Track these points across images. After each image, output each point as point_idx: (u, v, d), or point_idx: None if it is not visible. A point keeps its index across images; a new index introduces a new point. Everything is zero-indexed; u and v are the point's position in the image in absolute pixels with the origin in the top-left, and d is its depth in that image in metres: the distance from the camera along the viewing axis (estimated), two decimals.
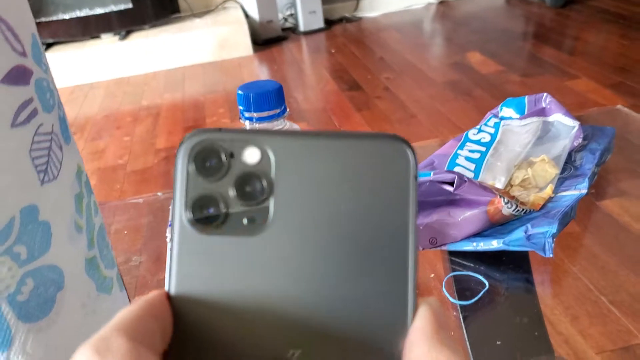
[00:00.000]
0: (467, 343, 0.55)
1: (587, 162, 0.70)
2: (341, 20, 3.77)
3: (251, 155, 0.20)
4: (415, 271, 0.20)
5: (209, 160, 0.20)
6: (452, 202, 0.63)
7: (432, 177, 0.62)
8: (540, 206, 0.65)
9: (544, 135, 0.74)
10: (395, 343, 0.20)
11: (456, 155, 0.73)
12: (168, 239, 0.21)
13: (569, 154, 0.72)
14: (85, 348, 0.17)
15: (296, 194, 0.20)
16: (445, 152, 0.75)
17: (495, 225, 0.64)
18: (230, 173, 0.20)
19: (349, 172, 0.20)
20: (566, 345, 0.53)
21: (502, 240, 0.61)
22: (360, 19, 3.80)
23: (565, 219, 0.62)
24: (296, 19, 3.66)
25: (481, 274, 0.62)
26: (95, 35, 3.38)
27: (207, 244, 0.20)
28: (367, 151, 0.20)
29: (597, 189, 0.73)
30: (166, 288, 0.20)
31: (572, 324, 0.55)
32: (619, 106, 0.91)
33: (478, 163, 0.71)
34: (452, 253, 0.65)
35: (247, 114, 0.53)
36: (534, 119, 0.76)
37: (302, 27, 3.60)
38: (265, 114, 0.53)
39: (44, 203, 0.37)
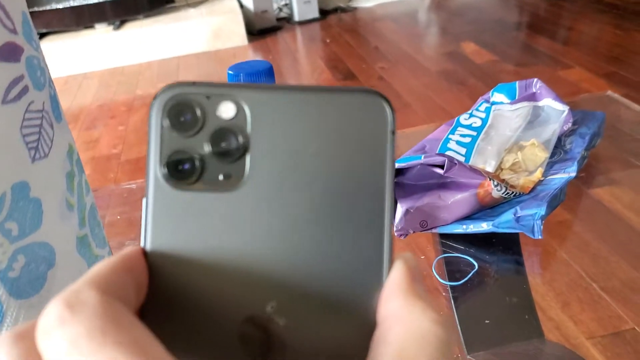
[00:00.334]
0: (457, 322, 0.55)
1: (577, 146, 0.71)
2: (336, 10, 3.76)
3: (226, 110, 0.20)
4: (391, 227, 0.20)
5: (183, 115, 0.20)
6: (443, 185, 0.64)
7: (422, 160, 0.63)
8: (529, 189, 0.65)
9: (534, 120, 0.75)
10: (371, 297, 0.20)
11: (447, 140, 0.73)
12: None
13: (559, 138, 0.73)
14: (56, 301, 0.17)
15: (272, 149, 0.20)
16: (437, 137, 0.75)
17: (485, 208, 0.65)
18: (205, 128, 0.20)
19: (325, 126, 0.20)
20: (557, 330, 0.54)
21: (491, 223, 0.61)
22: (355, 9, 3.79)
23: (554, 202, 0.62)
24: (291, 8, 3.65)
25: (471, 256, 0.62)
26: (89, 25, 3.37)
27: (182, 199, 0.20)
28: (344, 105, 0.20)
29: (589, 177, 0.73)
30: (142, 244, 0.20)
31: (563, 310, 0.56)
32: (609, 92, 0.91)
33: (469, 147, 0.71)
34: (442, 236, 0.66)
35: None
36: (525, 103, 0.76)
37: (296, 17, 3.59)
38: None
39: (35, 180, 0.38)
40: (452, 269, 0.61)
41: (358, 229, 0.20)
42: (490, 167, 0.68)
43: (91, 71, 3.21)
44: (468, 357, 0.52)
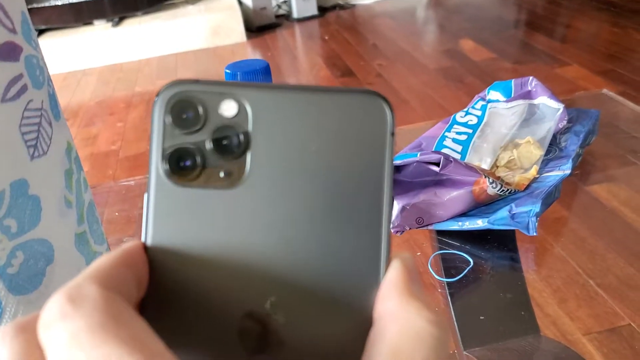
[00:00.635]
0: (454, 318, 0.56)
1: (572, 144, 0.71)
2: (334, 7, 3.76)
3: (228, 108, 0.20)
4: (389, 226, 0.20)
5: (186, 112, 0.20)
6: (439, 182, 0.64)
7: (418, 157, 0.63)
8: (524, 186, 0.66)
9: (530, 118, 0.75)
10: (368, 295, 0.20)
11: (443, 137, 0.74)
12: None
13: (554, 136, 0.73)
14: (58, 295, 0.17)
15: (273, 148, 0.20)
16: (433, 134, 0.76)
17: (481, 205, 0.65)
18: (207, 125, 0.20)
19: (326, 126, 0.20)
20: (554, 326, 0.54)
21: (487, 220, 0.62)
22: (353, 6, 3.79)
23: (548, 199, 0.63)
24: (290, 5, 3.65)
25: (467, 253, 0.63)
26: (88, 22, 3.36)
27: (183, 195, 0.20)
28: (345, 106, 0.20)
29: (586, 174, 0.73)
30: (142, 239, 0.20)
31: (560, 306, 0.56)
32: (604, 90, 0.92)
33: (465, 145, 0.72)
34: (438, 232, 0.66)
35: None
36: (520, 101, 0.77)
37: (295, 14, 3.59)
38: None
39: (34, 177, 0.38)
40: (448, 266, 0.62)
41: (356, 228, 0.20)
42: (485, 165, 0.69)
43: (90, 68, 3.21)
44: (464, 353, 0.53)
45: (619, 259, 0.61)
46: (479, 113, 0.77)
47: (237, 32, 3.33)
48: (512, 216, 0.60)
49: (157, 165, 0.20)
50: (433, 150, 0.72)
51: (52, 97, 0.42)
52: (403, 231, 0.65)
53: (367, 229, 0.20)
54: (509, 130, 0.73)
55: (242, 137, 0.20)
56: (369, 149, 0.20)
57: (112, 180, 0.86)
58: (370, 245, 0.20)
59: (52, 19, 3.27)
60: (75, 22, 3.33)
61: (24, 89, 0.37)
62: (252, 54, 3.19)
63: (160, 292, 0.20)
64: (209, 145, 0.20)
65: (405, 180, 0.65)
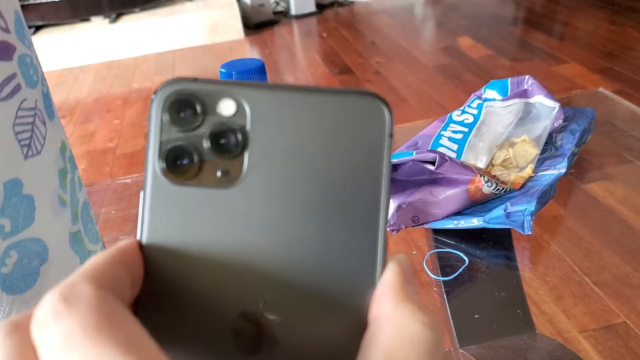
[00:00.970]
0: (450, 316, 0.56)
1: (567, 143, 0.71)
2: (333, 4, 3.76)
3: (227, 107, 0.20)
4: (386, 228, 0.20)
5: (184, 110, 0.20)
6: (434, 181, 0.64)
7: (414, 156, 0.63)
8: (520, 185, 0.66)
9: (526, 116, 0.75)
10: (364, 297, 0.20)
11: (439, 136, 0.74)
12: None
13: (550, 135, 0.73)
14: (52, 294, 0.17)
15: (271, 148, 0.20)
16: (429, 133, 0.76)
17: (476, 204, 0.65)
18: (204, 124, 0.20)
19: (324, 126, 0.20)
20: (550, 324, 0.55)
21: (482, 218, 0.62)
22: (352, 3, 3.78)
23: (544, 198, 0.63)
24: (288, 2, 3.64)
25: (462, 251, 0.63)
26: (85, 18, 3.35)
27: (179, 194, 0.20)
28: (343, 107, 0.20)
29: (582, 172, 0.74)
30: (138, 237, 0.20)
31: (556, 303, 0.57)
32: (600, 89, 0.92)
33: (461, 143, 0.72)
34: (434, 231, 0.66)
35: None
36: (516, 100, 0.77)
37: (293, 11, 3.59)
38: None
39: (28, 177, 0.38)
40: (444, 264, 0.62)
41: (353, 229, 0.20)
42: (481, 163, 0.69)
43: (87, 64, 3.20)
44: (460, 351, 0.53)
45: (615, 257, 0.61)
46: (475, 112, 0.77)
47: (235, 29, 3.33)
48: (507, 215, 0.60)
49: (153, 163, 0.20)
50: (429, 149, 0.72)
51: (46, 97, 0.42)
52: (399, 230, 0.65)
53: (363, 230, 0.20)
54: (505, 129, 0.73)
55: (240, 136, 0.20)
56: (366, 150, 0.20)
57: (108, 178, 0.85)
58: (367, 247, 0.20)
59: (49, 15, 3.27)
60: (72, 18, 3.32)
61: (17, 88, 0.37)
62: (250, 51, 3.18)
63: (155, 290, 0.20)
64: (206, 143, 0.20)
65: (401, 179, 0.65)
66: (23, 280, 0.39)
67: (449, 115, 0.78)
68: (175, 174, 0.20)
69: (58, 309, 0.16)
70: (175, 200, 0.20)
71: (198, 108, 0.20)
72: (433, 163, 0.62)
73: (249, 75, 0.51)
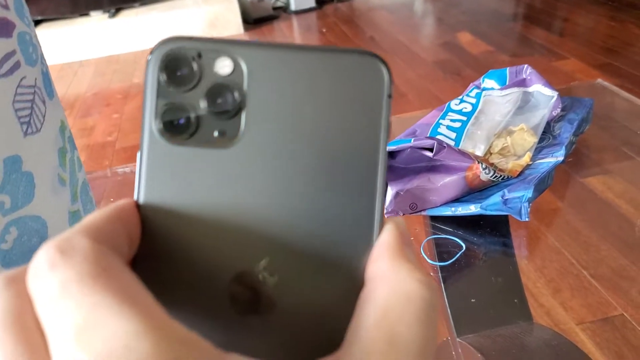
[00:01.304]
0: (447, 305, 0.56)
1: (565, 132, 0.72)
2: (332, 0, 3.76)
3: (223, 66, 0.20)
4: (384, 189, 0.20)
5: (180, 69, 0.20)
6: (432, 168, 0.65)
7: (412, 143, 0.63)
8: (518, 173, 0.66)
9: (524, 105, 0.75)
10: (361, 257, 0.20)
11: (438, 125, 0.74)
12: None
13: (548, 124, 0.73)
14: (48, 246, 0.17)
15: (268, 107, 0.20)
16: (428, 122, 0.76)
17: (474, 191, 0.65)
18: (201, 83, 0.20)
19: (322, 86, 0.20)
20: (547, 316, 0.55)
21: (479, 205, 0.62)
22: None
23: (541, 185, 0.63)
24: None
25: (460, 238, 0.63)
26: (84, 13, 3.35)
27: (176, 154, 0.20)
28: (342, 66, 0.20)
29: (581, 166, 0.74)
30: (135, 197, 0.20)
31: (554, 296, 0.57)
32: (599, 80, 0.92)
33: (459, 132, 0.72)
34: (431, 218, 0.67)
35: None
36: (515, 89, 0.77)
37: (293, 7, 3.58)
38: None
39: (27, 154, 0.38)
40: (441, 250, 0.62)
41: (351, 190, 0.20)
42: (479, 152, 0.69)
43: (87, 59, 3.20)
44: (458, 340, 0.53)
45: (613, 250, 0.61)
46: (473, 101, 0.77)
47: (234, 24, 3.33)
48: (505, 202, 0.60)
49: (150, 123, 0.20)
50: (427, 136, 0.72)
51: (46, 76, 0.42)
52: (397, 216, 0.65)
53: (361, 191, 0.20)
54: (503, 117, 0.73)
55: (237, 95, 0.20)
56: (365, 110, 0.20)
57: (107, 169, 0.86)
58: (364, 207, 0.20)
59: (49, 9, 3.27)
60: (72, 13, 3.32)
61: (17, 65, 0.37)
62: None
63: (152, 250, 0.20)
64: (203, 103, 0.20)
65: (399, 166, 0.65)
66: (23, 257, 0.39)
67: (447, 104, 0.78)
68: (172, 134, 0.20)
69: (54, 259, 0.16)
70: (171, 160, 0.20)
71: (194, 67, 0.20)
72: (431, 150, 0.63)
73: None
